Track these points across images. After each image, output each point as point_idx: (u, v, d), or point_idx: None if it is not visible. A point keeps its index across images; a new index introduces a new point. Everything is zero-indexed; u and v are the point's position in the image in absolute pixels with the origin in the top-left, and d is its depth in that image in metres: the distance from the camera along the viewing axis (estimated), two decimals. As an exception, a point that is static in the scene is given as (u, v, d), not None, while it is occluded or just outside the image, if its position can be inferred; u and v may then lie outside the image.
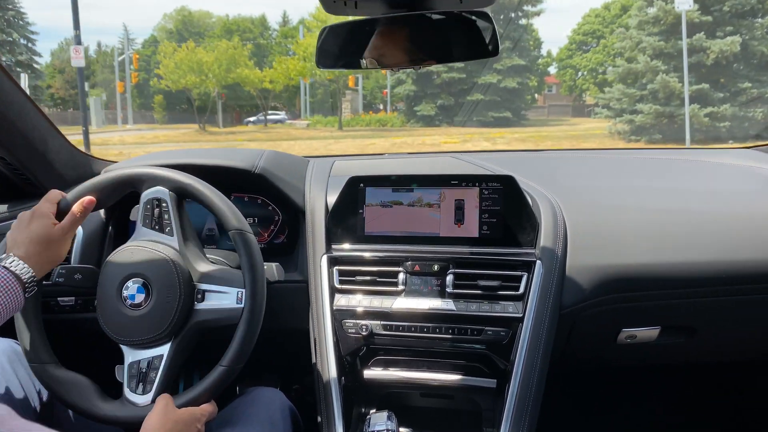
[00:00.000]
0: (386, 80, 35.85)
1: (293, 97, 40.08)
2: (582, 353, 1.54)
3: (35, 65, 32.77)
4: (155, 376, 1.09)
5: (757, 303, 1.42)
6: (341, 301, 1.34)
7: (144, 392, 1.09)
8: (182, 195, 1.17)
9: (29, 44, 32.34)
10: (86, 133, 14.34)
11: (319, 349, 1.32)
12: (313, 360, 1.34)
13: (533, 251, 1.33)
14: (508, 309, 1.27)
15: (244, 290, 1.11)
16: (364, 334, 1.29)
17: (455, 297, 1.31)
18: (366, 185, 1.42)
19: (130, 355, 1.12)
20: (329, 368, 1.28)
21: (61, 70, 40.86)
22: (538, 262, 1.30)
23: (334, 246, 1.41)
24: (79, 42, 14.54)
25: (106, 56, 41.63)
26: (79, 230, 1.40)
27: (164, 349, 1.11)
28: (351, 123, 31.06)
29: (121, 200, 1.23)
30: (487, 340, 1.26)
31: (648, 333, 1.44)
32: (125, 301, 1.10)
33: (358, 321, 1.31)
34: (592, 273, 1.33)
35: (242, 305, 1.10)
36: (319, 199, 1.47)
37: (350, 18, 1.10)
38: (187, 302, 1.11)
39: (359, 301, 1.33)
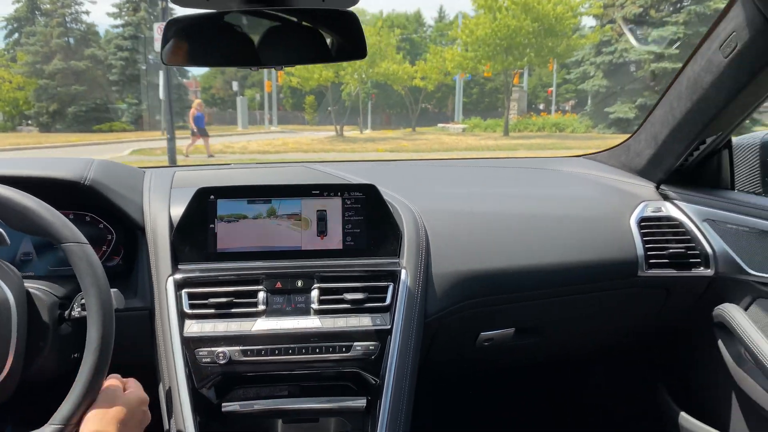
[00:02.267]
0: (552, 77, 30.08)
1: (445, 97, 35.81)
2: (443, 359, 1.56)
3: (188, 64, 31.96)
4: None
5: (596, 300, 1.55)
6: (193, 327, 1.20)
7: None
8: None
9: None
10: (170, 140, 11.76)
11: (169, 384, 1.17)
12: (161, 397, 1.19)
13: (398, 260, 1.31)
14: (376, 322, 1.23)
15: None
16: (221, 362, 1.17)
17: (321, 313, 1.24)
18: (217, 197, 1.29)
19: None
20: (182, 405, 1.14)
21: (221, 71, 40.27)
22: (403, 271, 1.29)
23: (181, 266, 1.26)
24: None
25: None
26: None
27: None
28: (518, 126, 25.13)
29: None
30: (356, 356, 1.21)
31: (504, 334, 1.50)
32: None
33: (214, 348, 1.18)
34: (453, 279, 1.36)
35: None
36: (161, 214, 1.32)
37: (201, 11, 0.98)
38: None
39: (214, 326, 1.20)
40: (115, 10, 30.17)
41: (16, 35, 31.47)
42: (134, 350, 1.23)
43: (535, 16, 20.92)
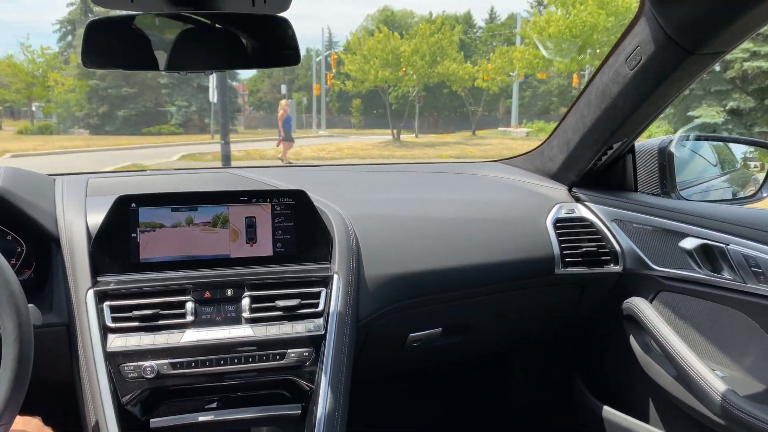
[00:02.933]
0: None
1: (495, 100, 34.37)
2: (374, 362, 1.58)
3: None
4: None
5: (517, 297, 1.63)
6: (117, 342, 1.14)
7: None
8: None
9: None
10: (225, 145, 10.47)
11: (91, 402, 1.12)
12: (86, 417, 1.13)
13: (329, 266, 1.31)
14: (309, 327, 1.23)
15: None
16: (148, 377, 1.12)
17: (253, 321, 1.22)
18: (139, 205, 1.24)
19: None
20: (107, 423, 1.09)
21: (268, 74, 39.80)
22: (336, 276, 1.29)
23: (101, 278, 1.20)
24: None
25: (308, 59, 40.30)
26: None
27: None
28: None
29: None
30: (290, 363, 1.20)
31: (432, 334, 1.54)
32: None
33: (140, 363, 1.13)
34: (383, 282, 1.37)
35: None
36: (77, 223, 1.26)
37: (123, 12, 0.95)
38: None
39: (140, 340, 1.15)
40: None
41: (70, 38, 31.54)
42: (51, 368, 1.16)
43: (612, 11, 19.44)
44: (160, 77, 27.79)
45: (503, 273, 1.54)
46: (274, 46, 0.99)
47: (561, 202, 1.71)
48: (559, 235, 1.62)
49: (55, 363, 1.18)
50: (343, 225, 1.37)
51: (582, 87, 1.97)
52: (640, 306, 1.57)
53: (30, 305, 0.97)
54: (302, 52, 1.02)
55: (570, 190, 1.79)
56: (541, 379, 2.09)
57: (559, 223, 1.64)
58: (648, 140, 1.71)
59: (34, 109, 34.51)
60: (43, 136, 25.13)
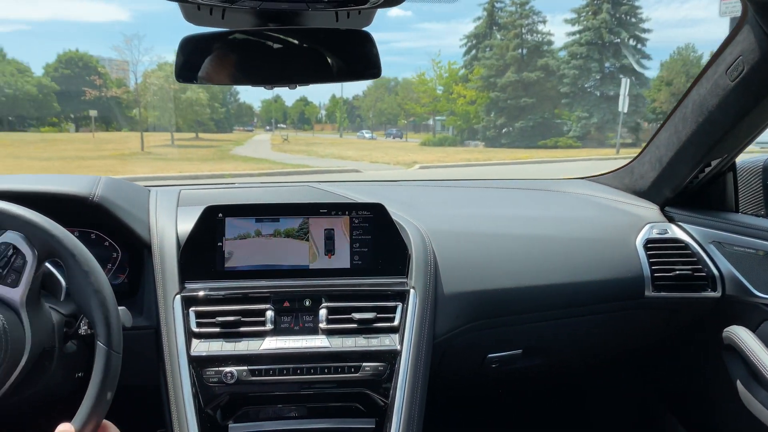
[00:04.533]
0: None
1: None
2: (450, 381, 1.55)
3: (643, 69, 27.50)
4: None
5: (602, 320, 1.53)
6: (200, 347, 1.18)
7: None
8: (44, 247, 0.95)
9: (638, 45, 27.28)
10: None
11: (175, 404, 1.15)
12: (169, 419, 1.16)
13: (406, 280, 1.30)
14: (385, 342, 1.22)
15: None
16: (229, 382, 1.15)
17: (329, 333, 1.22)
18: (225, 215, 1.29)
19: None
20: (189, 426, 1.12)
21: (668, 82, 34.15)
22: (412, 291, 1.27)
23: (188, 284, 1.25)
24: None
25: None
26: None
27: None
28: None
29: None
30: (365, 376, 1.19)
31: (511, 355, 1.47)
32: None
33: (221, 368, 1.16)
34: (462, 300, 1.34)
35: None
36: (168, 232, 1.31)
37: (214, 29, 1.00)
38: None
39: (221, 346, 1.18)
40: (573, 15, 27.59)
41: (474, 51, 32.21)
42: (139, 370, 1.20)
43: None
44: (560, 86, 25.51)
45: (589, 294, 1.47)
46: (357, 59, 1.01)
47: (652, 222, 1.62)
48: (650, 256, 1.53)
49: (142, 365, 1.22)
50: (421, 239, 1.35)
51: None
52: (743, 336, 1.43)
53: (121, 308, 1.02)
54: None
55: (662, 210, 1.70)
56: (624, 405, 1.97)
57: (650, 243, 1.55)
58: (752, 156, 1.57)
59: (431, 122, 36.37)
60: (443, 148, 25.76)
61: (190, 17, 0.97)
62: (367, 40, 0.97)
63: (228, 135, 39.98)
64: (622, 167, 1.88)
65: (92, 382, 0.90)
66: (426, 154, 21.25)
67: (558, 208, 1.75)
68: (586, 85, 27.23)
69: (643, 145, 1.77)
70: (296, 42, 1.01)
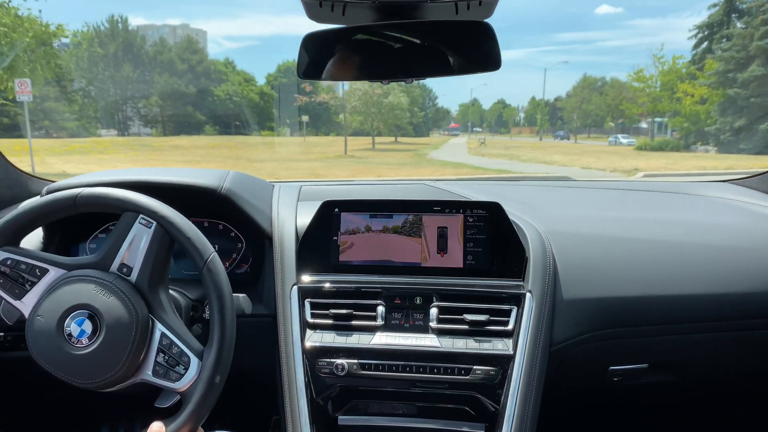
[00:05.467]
0: None
1: None
2: (567, 392, 1.48)
3: None
4: (178, 348, 0.96)
5: (746, 338, 1.38)
6: (313, 337, 1.20)
7: (186, 366, 0.95)
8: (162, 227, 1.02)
9: None
10: None
11: (288, 392, 1.18)
12: (283, 405, 1.19)
13: (522, 283, 1.24)
14: (497, 346, 1.17)
15: (140, 215, 0.99)
16: (340, 374, 1.16)
17: (440, 333, 1.20)
18: (341, 210, 1.31)
19: (145, 371, 0.97)
20: (300, 415, 1.15)
21: None
22: (528, 294, 1.22)
23: (305, 276, 1.28)
24: None
25: None
26: None
27: (158, 330, 0.97)
28: None
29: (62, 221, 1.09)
30: (475, 380, 1.15)
31: (636, 370, 1.38)
32: (69, 338, 0.94)
33: (333, 360, 1.17)
34: (583, 307, 1.26)
35: (153, 224, 0.98)
36: (288, 225, 1.35)
37: (335, 26, 1.02)
38: (128, 290, 0.96)
39: (334, 338, 1.20)
40: None
41: (705, 44, 28.03)
42: (257, 355, 1.26)
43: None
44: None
45: (729, 308, 1.32)
46: (478, 52, 0.99)
47: None
48: None
49: (259, 351, 1.26)
50: (539, 241, 1.29)
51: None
52: None
53: (242, 294, 1.09)
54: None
55: None
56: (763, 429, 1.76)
57: None
58: None
59: (642, 125, 33.49)
60: (665, 153, 22.63)
61: (312, 14, 0.99)
62: (488, 32, 0.95)
63: (425, 139, 40.29)
64: None
65: (205, 363, 0.95)
66: (647, 160, 18.75)
67: (696, 212, 1.62)
68: None
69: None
70: (417, 36, 1.00)
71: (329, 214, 1.29)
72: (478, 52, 0.97)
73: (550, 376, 1.22)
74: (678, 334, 1.33)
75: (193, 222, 1.07)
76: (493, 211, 1.27)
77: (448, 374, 1.15)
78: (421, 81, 1.09)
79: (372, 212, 1.29)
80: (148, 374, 0.96)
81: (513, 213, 1.34)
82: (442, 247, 1.27)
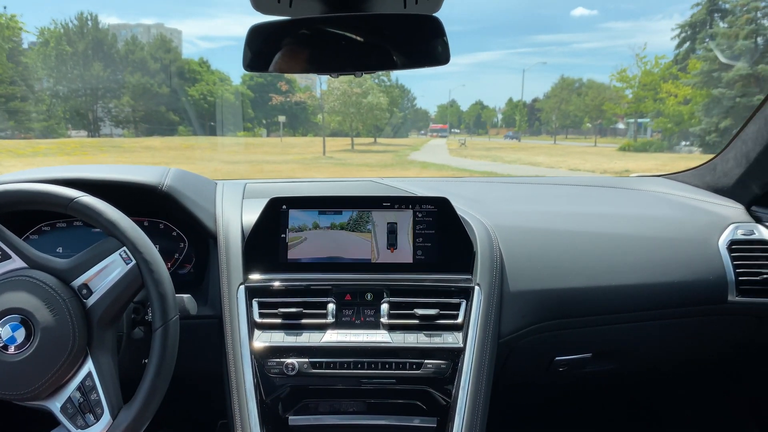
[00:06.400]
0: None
1: None
2: (515, 383, 1.50)
3: None
4: (98, 396, 0.92)
5: (681, 325, 1.44)
6: (262, 337, 1.18)
7: (97, 417, 0.92)
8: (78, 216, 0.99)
9: None
10: None
11: (236, 395, 1.15)
12: (231, 407, 1.16)
13: (470, 277, 1.26)
14: (448, 339, 1.18)
15: (124, 248, 0.97)
16: (290, 374, 1.15)
17: (391, 328, 1.20)
18: (289, 207, 1.29)
19: (55, 400, 0.93)
20: (249, 416, 1.13)
21: None
22: (477, 288, 1.23)
23: (251, 275, 1.25)
24: None
25: None
26: None
27: (87, 367, 0.93)
28: None
29: None
30: (427, 374, 1.16)
31: (581, 359, 1.42)
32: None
33: (282, 359, 1.16)
34: (529, 298, 1.29)
35: (132, 262, 0.96)
36: (233, 223, 1.32)
37: (281, 18, 0.99)
38: (77, 312, 0.93)
39: (283, 337, 1.18)
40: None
41: (688, 44, 27.85)
42: (202, 358, 1.23)
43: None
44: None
45: (665, 297, 1.37)
46: (426, 46, 0.98)
47: (737, 222, 1.51)
48: (734, 258, 1.43)
49: (206, 354, 1.23)
50: (487, 235, 1.31)
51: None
52: None
53: (187, 295, 1.07)
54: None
55: (748, 209, 1.59)
56: (702, 417, 1.85)
57: (734, 245, 1.45)
58: None
59: (619, 126, 33.19)
60: (650, 154, 22.31)
61: (258, 6, 0.98)
62: (436, 26, 0.95)
63: (405, 140, 39.62)
64: (704, 164, 1.80)
65: (148, 368, 0.93)
66: (634, 161, 18.23)
67: (633, 205, 1.66)
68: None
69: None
70: (365, 29, 0.99)
71: (276, 211, 1.28)
72: (427, 45, 0.96)
73: (499, 367, 1.25)
74: (619, 323, 1.36)
75: (134, 221, 1.05)
76: (442, 206, 1.29)
77: (400, 369, 1.15)
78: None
79: (320, 209, 1.29)
80: (56, 406, 0.92)
81: (460, 208, 1.35)
82: (392, 243, 1.28)
